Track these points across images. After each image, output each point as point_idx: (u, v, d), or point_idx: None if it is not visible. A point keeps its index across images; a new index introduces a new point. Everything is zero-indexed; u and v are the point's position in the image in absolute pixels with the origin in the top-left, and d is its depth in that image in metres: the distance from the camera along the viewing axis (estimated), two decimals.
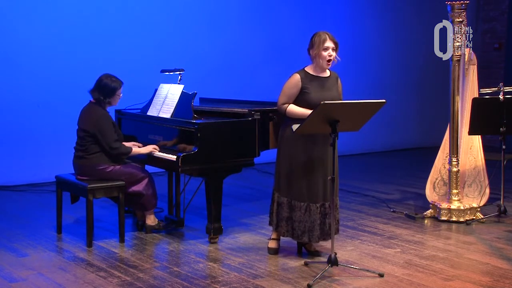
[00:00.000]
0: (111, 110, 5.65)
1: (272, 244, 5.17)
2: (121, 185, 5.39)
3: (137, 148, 5.56)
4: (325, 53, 4.81)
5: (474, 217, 6.12)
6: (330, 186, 4.72)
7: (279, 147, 5.01)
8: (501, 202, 6.24)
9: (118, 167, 5.46)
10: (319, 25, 9.68)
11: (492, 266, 4.87)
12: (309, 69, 4.93)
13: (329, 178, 4.59)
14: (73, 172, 5.62)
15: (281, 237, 5.14)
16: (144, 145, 5.68)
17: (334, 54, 4.85)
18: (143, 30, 8.38)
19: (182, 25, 8.65)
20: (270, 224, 5.12)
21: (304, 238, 4.94)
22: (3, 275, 4.64)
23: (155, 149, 5.50)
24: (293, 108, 4.85)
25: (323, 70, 4.93)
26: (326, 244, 5.25)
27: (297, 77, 4.87)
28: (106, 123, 5.40)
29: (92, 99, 5.51)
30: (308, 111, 4.71)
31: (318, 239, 4.94)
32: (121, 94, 5.53)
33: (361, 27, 10.23)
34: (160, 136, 5.67)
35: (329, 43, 4.81)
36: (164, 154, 5.39)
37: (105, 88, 5.44)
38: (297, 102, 4.87)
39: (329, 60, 4.84)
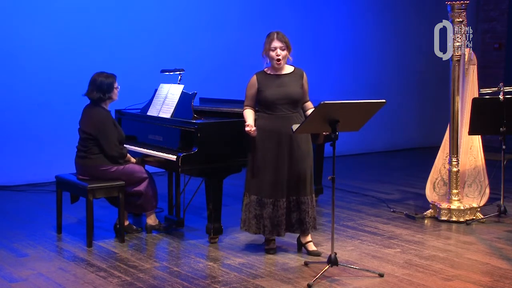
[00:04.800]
0: (111, 110, 5.64)
1: (268, 245, 5.18)
2: (121, 185, 5.39)
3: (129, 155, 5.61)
4: (272, 53, 4.94)
5: (474, 217, 6.12)
6: (305, 183, 4.94)
7: (248, 149, 5.09)
8: (501, 202, 6.23)
9: (121, 167, 5.46)
10: (319, 25, 9.72)
11: (492, 266, 4.87)
12: (267, 69, 5.07)
13: (329, 178, 4.58)
14: (73, 172, 5.62)
15: (277, 237, 5.15)
16: (145, 145, 5.70)
17: (283, 53, 4.94)
18: (143, 30, 8.38)
19: (182, 25, 8.65)
20: (240, 227, 5.13)
21: (273, 234, 5.03)
22: (3, 275, 4.64)
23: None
24: (244, 113, 5.05)
25: (281, 68, 5.02)
26: (326, 244, 5.25)
27: (254, 78, 5.05)
28: (109, 126, 5.40)
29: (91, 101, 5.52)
30: (248, 120, 4.96)
31: (284, 233, 5.04)
32: (118, 87, 5.54)
33: (361, 27, 10.22)
34: (160, 136, 5.67)
35: (276, 43, 4.94)
36: (164, 154, 5.39)
37: (102, 86, 5.44)
38: (257, 101, 5.04)
39: (278, 60, 4.94)
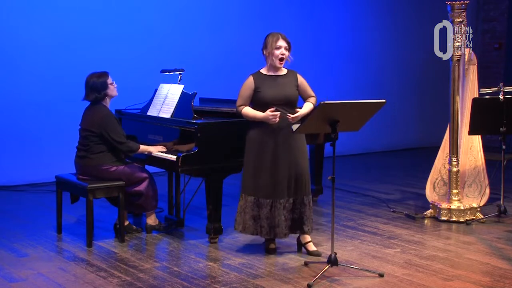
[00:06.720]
0: (111, 110, 5.64)
1: (268, 245, 5.18)
2: (121, 185, 5.39)
3: (145, 146, 5.55)
4: (277, 52, 4.92)
5: (474, 217, 6.12)
6: (304, 183, 4.92)
7: (245, 148, 5.07)
8: (501, 202, 6.24)
9: (121, 167, 5.46)
10: (319, 25, 9.72)
11: (492, 266, 4.87)
12: (263, 70, 5.05)
13: (329, 178, 4.58)
14: (73, 172, 5.62)
15: (277, 238, 5.14)
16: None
17: (286, 53, 4.95)
18: (143, 30, 8.38)
19: (182, 25, 8.65)
20: (235, 228, 5.11)
21: (271, 235, 5.01)
22: (3, 275, 4.65)
23: (163, 148, 5.50)
24: (246, 111, 4.98)
25: (277, 69, 5.01)
26: (326, 244, 5.25)
27: (250, 79, 5.01)
28: (112, 121, 5.41)
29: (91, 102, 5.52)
30: (258, 113, 4.89)
31: (285, 235, 5.00)
32: (114, 83, 5.52)
33: (361, 27, 10.22)
34: (160, 136, 5.67)
35: (281, 42, 4.94)
36: (164, 154, 5.39)
37: (95, 86, 5.42)
38: (253, 102, 4.99)
39: (281, 59, 4.94)
